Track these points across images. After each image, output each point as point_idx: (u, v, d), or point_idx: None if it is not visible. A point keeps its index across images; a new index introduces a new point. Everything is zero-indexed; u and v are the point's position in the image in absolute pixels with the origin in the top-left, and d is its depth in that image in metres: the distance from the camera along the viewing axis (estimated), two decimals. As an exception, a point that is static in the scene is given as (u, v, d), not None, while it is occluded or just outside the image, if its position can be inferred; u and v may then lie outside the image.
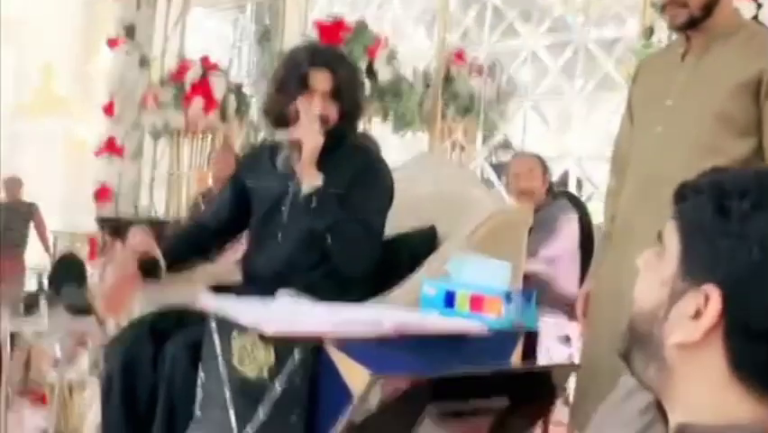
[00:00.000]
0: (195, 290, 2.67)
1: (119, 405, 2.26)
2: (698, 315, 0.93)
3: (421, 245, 2.76)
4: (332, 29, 5.48)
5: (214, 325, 1.90)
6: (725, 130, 2.15)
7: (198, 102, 6.43)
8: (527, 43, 5.35)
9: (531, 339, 2.09)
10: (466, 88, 5.73)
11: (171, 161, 6.91)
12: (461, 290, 2.08)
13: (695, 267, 0.95)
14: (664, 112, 2.23)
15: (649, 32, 4.07)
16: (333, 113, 2.51)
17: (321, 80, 2.50)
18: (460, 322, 1.96)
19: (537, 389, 1.97)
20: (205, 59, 6.67)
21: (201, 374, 1.93)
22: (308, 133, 2.43)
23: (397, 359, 1.80)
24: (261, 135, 7.30)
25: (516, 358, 2.05)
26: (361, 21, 5.69)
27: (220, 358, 1.87)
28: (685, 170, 2.10)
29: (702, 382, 0.95)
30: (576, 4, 5.22)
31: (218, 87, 6.52)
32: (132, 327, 2.41)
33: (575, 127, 5.16)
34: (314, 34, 5.63)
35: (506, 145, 5.57)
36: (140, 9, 7.07)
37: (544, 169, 4.31)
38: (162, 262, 2.50)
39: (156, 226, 4.77)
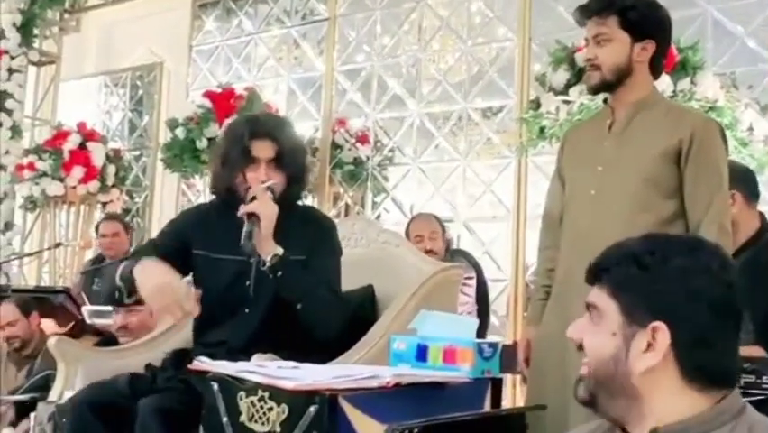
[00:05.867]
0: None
1: None
2: (649, 347, 1.29)
3: (362, 305, 2.90)
4: (223, 97, 5.58)
5: (216, 387, 1.98)
6: (652, 192, 2.44)
7: (78, 171, 6.33)
8: (413, 112, 5.63)
9: (497, 386, 2.27)
10: (352, 155, 5.95)
11: (50, 230, 6.74)
12: (434, 344, 2.24)
13: (636, 314, 1.31)
14: (596, 176, 2.50)
15: (536, 104, 4.41)
16: (279, 180, 2.58)
17: (263, 150, 2.55)
18: (444, 372, 2.12)
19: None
20: (82, 126, 6.60)
21: (204, 437, 1.99)
22: (263, 205, 2.47)
23: (395, 410, 1.93)
24: (140, 200, 7.26)
25: (487, 405, 2.23)
26: (251, 88, 5.82)
27: (225, 418, 1.94)
28: (620, 225, 2.39)
29: (665, 395, 1.29)
30: (458, 76, 5.55)
31: (97, 156, 6.45)
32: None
33: (459, 191, 5.45)
34: (202, 102, 5.72)
35: (396, 208, 5.80)
36: (11, 77, 6.91)
37: (443, 229, 4.54)
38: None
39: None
